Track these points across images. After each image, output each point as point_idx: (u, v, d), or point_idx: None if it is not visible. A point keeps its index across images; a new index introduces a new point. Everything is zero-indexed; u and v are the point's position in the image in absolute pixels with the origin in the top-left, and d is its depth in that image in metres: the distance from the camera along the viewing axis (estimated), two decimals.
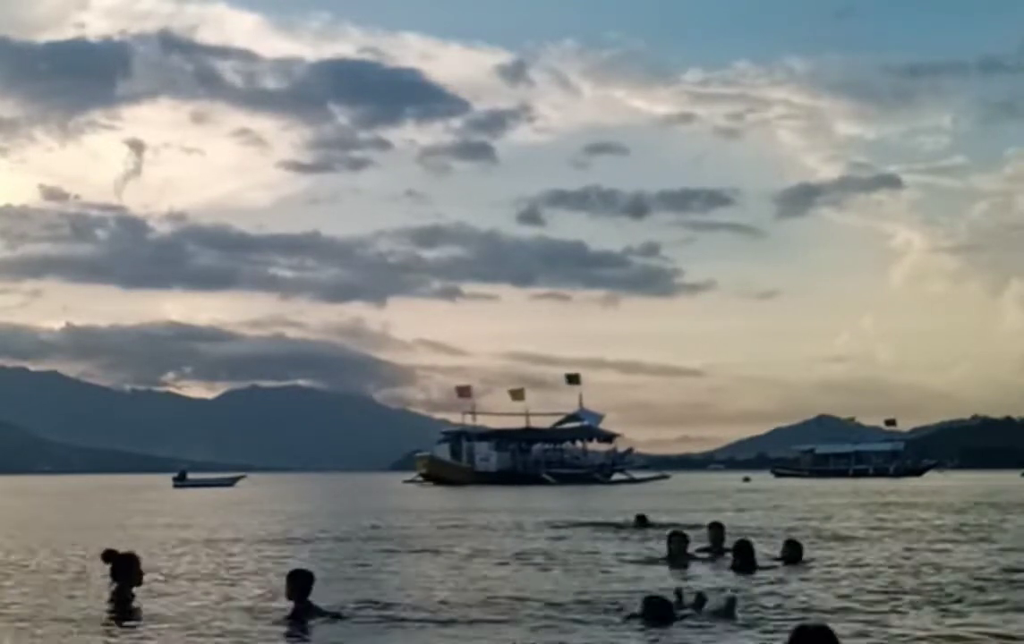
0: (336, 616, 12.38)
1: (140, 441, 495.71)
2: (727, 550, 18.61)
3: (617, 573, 17.56)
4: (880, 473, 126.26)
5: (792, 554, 18.29)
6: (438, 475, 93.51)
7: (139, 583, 13.12)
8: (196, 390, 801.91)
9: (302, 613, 12.10)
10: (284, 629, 11.85)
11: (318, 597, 12.48)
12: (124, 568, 12.96)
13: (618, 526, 28.94)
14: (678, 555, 18.28)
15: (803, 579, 16.27)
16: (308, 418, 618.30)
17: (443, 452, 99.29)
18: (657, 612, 11.93)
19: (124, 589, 12.93)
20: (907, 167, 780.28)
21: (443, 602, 13.87)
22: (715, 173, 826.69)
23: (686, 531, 19.95)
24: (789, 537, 20.44)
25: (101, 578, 14.20)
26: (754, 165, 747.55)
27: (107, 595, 13.25)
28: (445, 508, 45.18)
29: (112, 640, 11.60)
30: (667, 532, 20.18)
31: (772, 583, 15.57)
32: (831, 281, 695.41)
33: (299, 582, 12.28)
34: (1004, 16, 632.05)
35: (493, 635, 11.77)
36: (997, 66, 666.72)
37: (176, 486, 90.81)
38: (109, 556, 13.15)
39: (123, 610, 12.72)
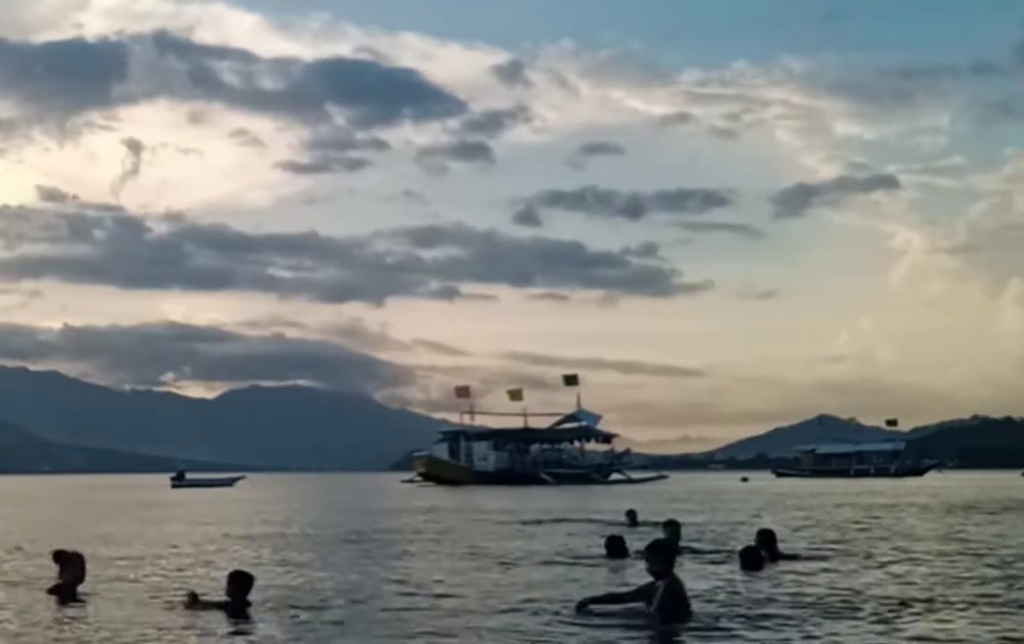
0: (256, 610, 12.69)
1: (140, 441, 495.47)
2: (683, 548, 18.95)
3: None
4: (881, 473, 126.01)
5: (770, 549, 18.19)
6: (436, 475, 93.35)
7: (82, 580, 14.00)
8: (196, 390, 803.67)
9: (240, 611, 12.46)
10: (223, 626, 12.03)
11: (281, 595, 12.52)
12: (71, 566, 13.98)
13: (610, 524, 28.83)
14: (615, 556, 18.79)
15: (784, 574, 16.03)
16: (308, 418, 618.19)
17: (441, 452, 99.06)
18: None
19: (70, 585, 13.83)
20: (905, 167, 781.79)
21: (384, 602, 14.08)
22: (712, 173, 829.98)
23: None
24: (761, 528, 20.20)
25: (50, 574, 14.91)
26: (751, 165, 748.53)
27: (48, 587, 14.14)
28: (436, 508, 44.94)
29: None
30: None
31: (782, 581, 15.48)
32: (830, 281, 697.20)
33: (239, 583, 12.81)
34: (995, 19, 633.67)
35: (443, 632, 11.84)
36: (989, 69, 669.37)
37: (174, 486, 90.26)
38: (58, 555, 14.39)
39: (65, 600, 13.54)
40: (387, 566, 18.96)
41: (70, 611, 13.01)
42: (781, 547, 18.87)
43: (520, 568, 18.40)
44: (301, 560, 19.90)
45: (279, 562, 19.53)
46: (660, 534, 19.51)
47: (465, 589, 15.15)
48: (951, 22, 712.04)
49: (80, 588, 13.99)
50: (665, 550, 12.32)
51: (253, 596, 12.91)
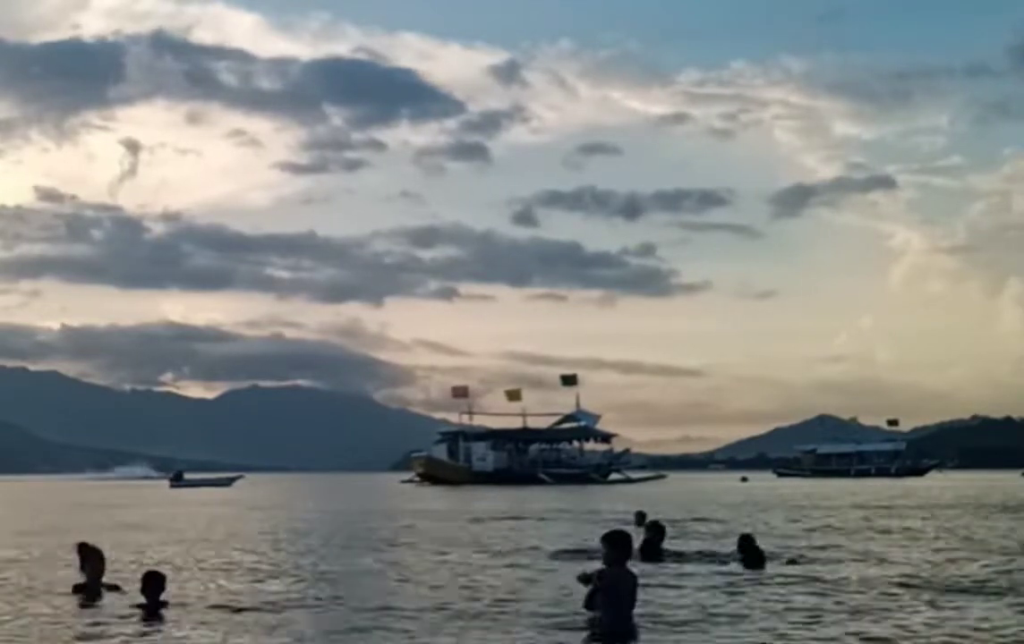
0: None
1: (140, 441, 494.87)
2: (666, 550, 18.82)
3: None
4: (882, 473, 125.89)
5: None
6: (435, 475, 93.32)
7: (101, 573, 14.21)
8: (195, 390, 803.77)
9: (153, 609, 12.81)
10: (135, 624, 12.27)
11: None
12: (90, 559, 14.18)
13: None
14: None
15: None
16: (307, 418, 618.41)
17: (440, 452, 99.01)
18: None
19: (90, 577, 14.10)
20: (904, 167, 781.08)
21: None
22: (710, 173, 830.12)
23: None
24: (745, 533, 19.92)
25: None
26: (750, 165, 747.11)
27: (76, 581, 14.34)
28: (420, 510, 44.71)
29: None
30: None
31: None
32: (829, 281, 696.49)
33: (152, 583, 13.17)
34: (988, 22, 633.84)
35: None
36: (984, 71, 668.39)
37: (172, 486, 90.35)
38: (81, 548, 14.52)
39: (92, 596, 13.75)
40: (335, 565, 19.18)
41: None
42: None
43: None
44: (250, 562, 19.88)
45: (224, 563, 19.55)
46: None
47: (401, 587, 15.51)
48: (947, 23, 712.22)
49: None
50: (616, 540, 11.30)
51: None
